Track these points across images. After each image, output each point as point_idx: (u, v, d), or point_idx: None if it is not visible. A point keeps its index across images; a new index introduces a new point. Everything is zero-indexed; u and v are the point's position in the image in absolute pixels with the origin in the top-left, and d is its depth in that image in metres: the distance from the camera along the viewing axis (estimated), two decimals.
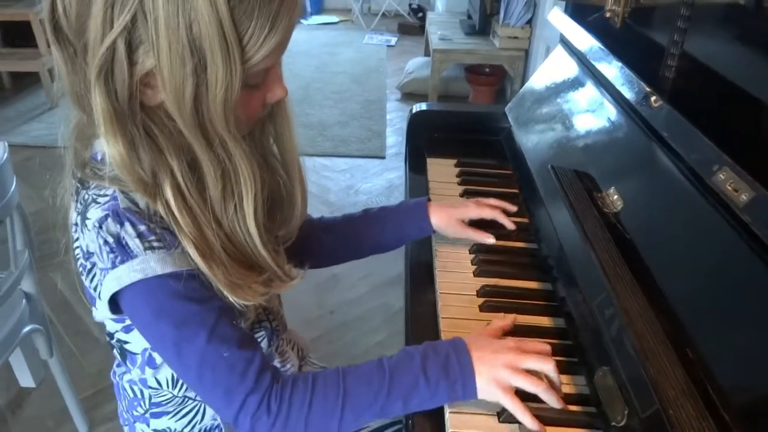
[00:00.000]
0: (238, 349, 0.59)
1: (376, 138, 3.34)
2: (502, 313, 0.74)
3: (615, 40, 0.91)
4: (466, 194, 1.03)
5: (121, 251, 0.56)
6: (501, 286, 0.80)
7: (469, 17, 3.77)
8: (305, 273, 0.75)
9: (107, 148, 0.55)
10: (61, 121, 0.62)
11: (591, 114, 0.88)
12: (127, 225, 0.57)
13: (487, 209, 0.87)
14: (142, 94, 0.55)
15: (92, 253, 0.59)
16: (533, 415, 0.59)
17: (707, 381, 0.46)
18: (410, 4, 5.56)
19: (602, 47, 0.88)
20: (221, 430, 0.75)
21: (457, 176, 1.10)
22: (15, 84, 3.77)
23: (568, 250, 0.71)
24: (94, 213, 0.58)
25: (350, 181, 2.92)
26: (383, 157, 3.13)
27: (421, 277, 0.86)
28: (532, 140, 1.01)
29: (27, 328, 1.26)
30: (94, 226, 0.57)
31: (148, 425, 0.74)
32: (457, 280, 0.82)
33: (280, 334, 0.80)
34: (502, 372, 0.61)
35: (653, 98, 0.69)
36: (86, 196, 0.59)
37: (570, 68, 1.00)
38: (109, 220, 0.57)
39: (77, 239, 0.63)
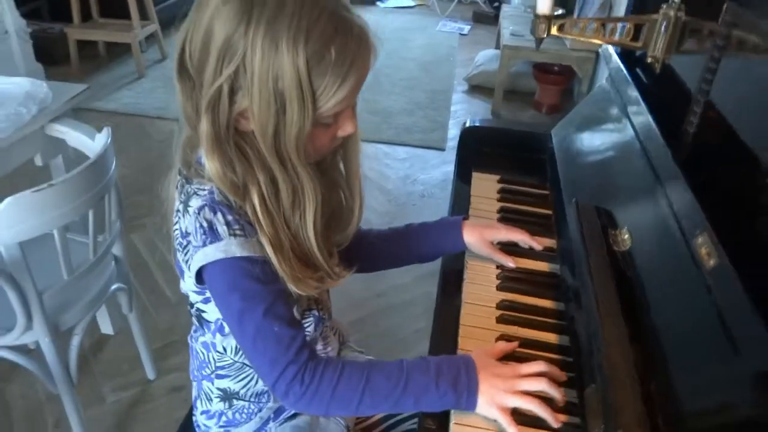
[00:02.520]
0: (287, 326, 0.73)
1: (439, 129, 3.43)
2: (515, 327, 0.85)
3: (651, 86, 0.98)
4: (502, 211, 1.13)
5: (212, 234, 0.72)
6: (518, 301, 0.91)
7: None
8: (353, 272, 0.89)
9: (207, 162, 0.72)
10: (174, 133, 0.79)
11: (619, 153, 0.96)
12: (219, 214, 0.72)
13: (516, 233, 0.98)
14: (239, 123, 0.71)
15: (189, 234, 0.74)
16: (516, 420, 0.70)
17: (660, 413, 0.57)
18: None
19: (636, 91, 0.96)
20: (269, 395, 0.91)
21: (498, 192, 1.20)
22: (109, 53, 4.08)
23: (576, 279, 0.81)
24: (195, 202, 0.74)
25: (409, 170, 3.04)
26: (443, 149, 3.23)
27: (451, 284, 0.97)
28: (568, 166, 1.10)
29: (114, 286, 1.47)
30: (194, 212, 0.73)
31: (213, 383, 0.90)
32: (481, 292, 0.93)
33: (326, 322, 0.94)
34: (502, 394, 0.72)
35: (666, 152, 0.77)
36: (189, 190, 0.76)
37: (609, 104, 1.08)
38: (206, 208, 0.72)
39: (177, 222, 0.78)
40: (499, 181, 1.24)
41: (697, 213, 0.63)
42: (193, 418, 0.97)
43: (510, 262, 0.97)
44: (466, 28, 5.18)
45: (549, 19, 0.94)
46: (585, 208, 0.88)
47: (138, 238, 2.37)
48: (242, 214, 0.73)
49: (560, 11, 0.93)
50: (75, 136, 1.42)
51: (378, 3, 5.83)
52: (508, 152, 1.31)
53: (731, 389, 0.52)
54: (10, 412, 1.68)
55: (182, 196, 0.77)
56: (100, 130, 1.36)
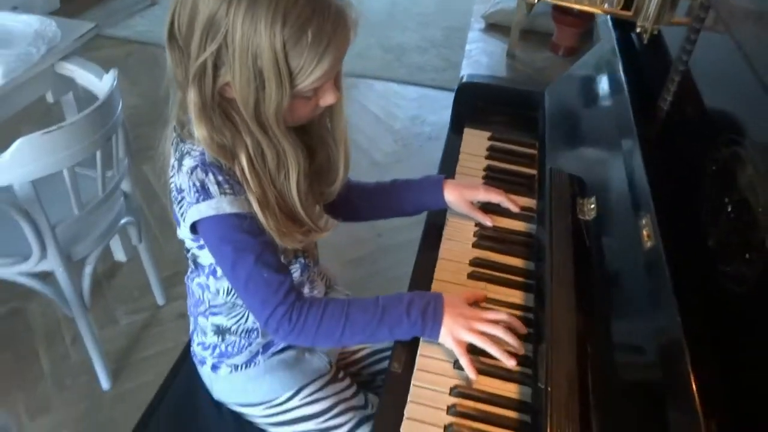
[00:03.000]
0: (275, 272, 0.82)
1: (452, 69, 3.39)
2: (483, 283, 0.92)
3: (638, 55, 1.00)
4: (488, 169, 1.18)
5: (204, 192, 0.79)
6: (490, 259, 0.97)
7: None
8: (338, 224, 0.96)
9: (195, 129, 0.78)
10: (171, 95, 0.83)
11: (599, 121, 0.99)
12: (210, 175, 0.79)
13: (494, 194, 1.03)
14: (225, 91, 0.77)
15: (183, 190, 0.82)
16: (476, 367, 0.78)
17: (590, 371, 0.64)
18: None
19: (620, 61, 0.97)
20: (258, 332, 0.99)
21: (487, 150, 1.24)
22: None
23: (543, 243, 0.87)
24: (188, 162, 0.80)
25: (418, 111, 3.03)
26: (454, 90, 3.20)
27: (432, 238, 1.04)
28: (555, 129, 1.13)
29: (123, 220, 1.56)
30: (187, 171, 0.80)
31: (207, 320, 0.99)
32: (457, 249, 0.99)
33: (312, 268, 1.02)
34: (460, 329, 0.80)
35: (633, 127, 0.81)
36: (183, 149, 0.82)
37: (600, 69, 1.10)
38: (198, 169, 0.79)
39: (172, 177, 0.85)
40: (490, 139, 1.27)
41: (646, 193, 0.68)
42: (191, 349, 1.07)
43: (487, 221, 1.03)
44: None
45: None
46: (558, 175, 0.92)
47: (149, 169, 2.44)
48: (231, 174, 0.79)
49: None
50: (83, 75, 1.47)
51: None
52: (503, 109, 1.34)
53: (644, 357, 0.59)
54: (32, 329, 1.82)
55: (177, 153, 0.83)
56: (107, 70, 1.40)
